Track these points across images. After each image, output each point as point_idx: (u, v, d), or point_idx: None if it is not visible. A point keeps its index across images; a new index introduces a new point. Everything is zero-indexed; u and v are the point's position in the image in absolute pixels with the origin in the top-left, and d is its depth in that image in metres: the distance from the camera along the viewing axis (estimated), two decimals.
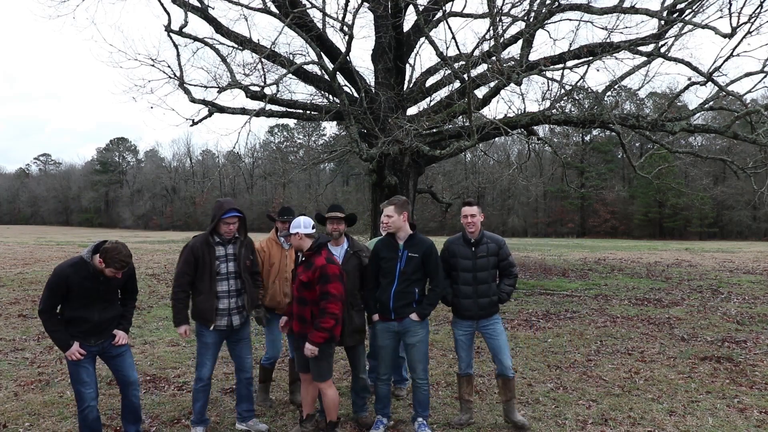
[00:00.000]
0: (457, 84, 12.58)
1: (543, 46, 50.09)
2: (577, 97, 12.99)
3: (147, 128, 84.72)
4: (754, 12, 9.41)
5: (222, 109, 12.24)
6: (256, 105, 11.97)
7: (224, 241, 4.45)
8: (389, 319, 4.37)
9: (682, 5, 10.85)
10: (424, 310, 4.34)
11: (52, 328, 3.89)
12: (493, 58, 10.48)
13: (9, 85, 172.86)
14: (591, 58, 10.72)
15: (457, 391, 4.97)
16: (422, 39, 12.49)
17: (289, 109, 13.01)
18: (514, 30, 11.82)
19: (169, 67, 11.52)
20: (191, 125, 12.13)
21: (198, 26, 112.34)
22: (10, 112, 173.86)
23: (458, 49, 11.41)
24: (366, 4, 11.61)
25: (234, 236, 4.48)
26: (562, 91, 11.32)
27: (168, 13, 11.21)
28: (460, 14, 13.07)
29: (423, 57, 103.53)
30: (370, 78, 13.22)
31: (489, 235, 4.62)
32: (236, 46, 11.53)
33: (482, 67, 11.27)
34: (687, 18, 10.30)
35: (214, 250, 4.38)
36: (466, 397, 4.72)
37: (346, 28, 10.58)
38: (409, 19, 12.40)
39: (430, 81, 13.78)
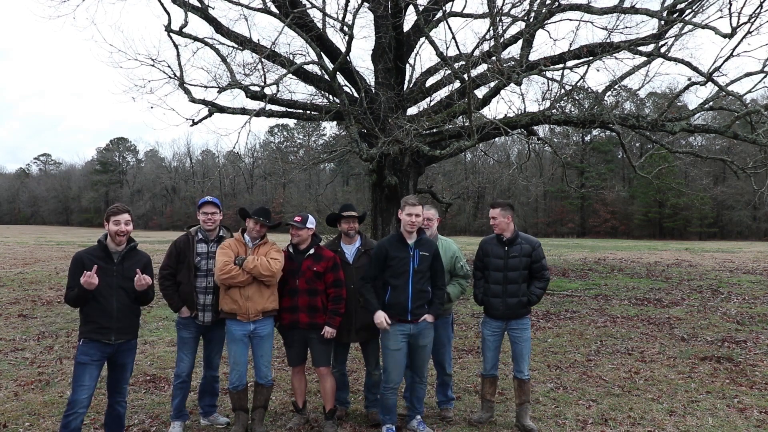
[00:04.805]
0: (457, 84, 12.59)
1: (543, 46, 50.16)
2: (577, 97, 13.00)
3: (147, 128, 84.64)
4: (754, 12, 9.45)
5: (222, 109, 12.26)
6: (256, 105, 12.00)
7: (207, 239, 4.54)
8: (406, 321, 4.33)
9: (682, 5, 10.87)
10: (438, 309, 4.44)
11: None
12: (493, 58, 10.48)
13: (26, 83, 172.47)
14: (591, 58, 10.74)
15: (480, 391, 4.90)
16: (422, 39, 12.50)
17: (289, 109, 13.02)
18: (514, 30, 11.87)
19: (169, 67, 11.56)
20: (191, 125, 12.16)
21: (198, 26, 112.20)
22: (27, 110, 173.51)
23: (458, 49, 11.44)
24: (366, 4, 11.62)
25: (218, 234, 4.58)
26: (562, 91, 11.34)
27: (168, 13, 11.22)
28: (460, 14, 13.09)
29: (423, 57, 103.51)
30: (370, 78, 13.24)
31: (524, 236, 4.65)
32: (236, 46, 11.55)
33: (482, 67, 11.28)
34: (687, 18, 10.33)
35: (195, 246, 4.51)
36: (487, 398, 4.70)
37: (346, 28, 10.59)
38: (409, 19, 12.43)
39: (430, 81, 13.80)
